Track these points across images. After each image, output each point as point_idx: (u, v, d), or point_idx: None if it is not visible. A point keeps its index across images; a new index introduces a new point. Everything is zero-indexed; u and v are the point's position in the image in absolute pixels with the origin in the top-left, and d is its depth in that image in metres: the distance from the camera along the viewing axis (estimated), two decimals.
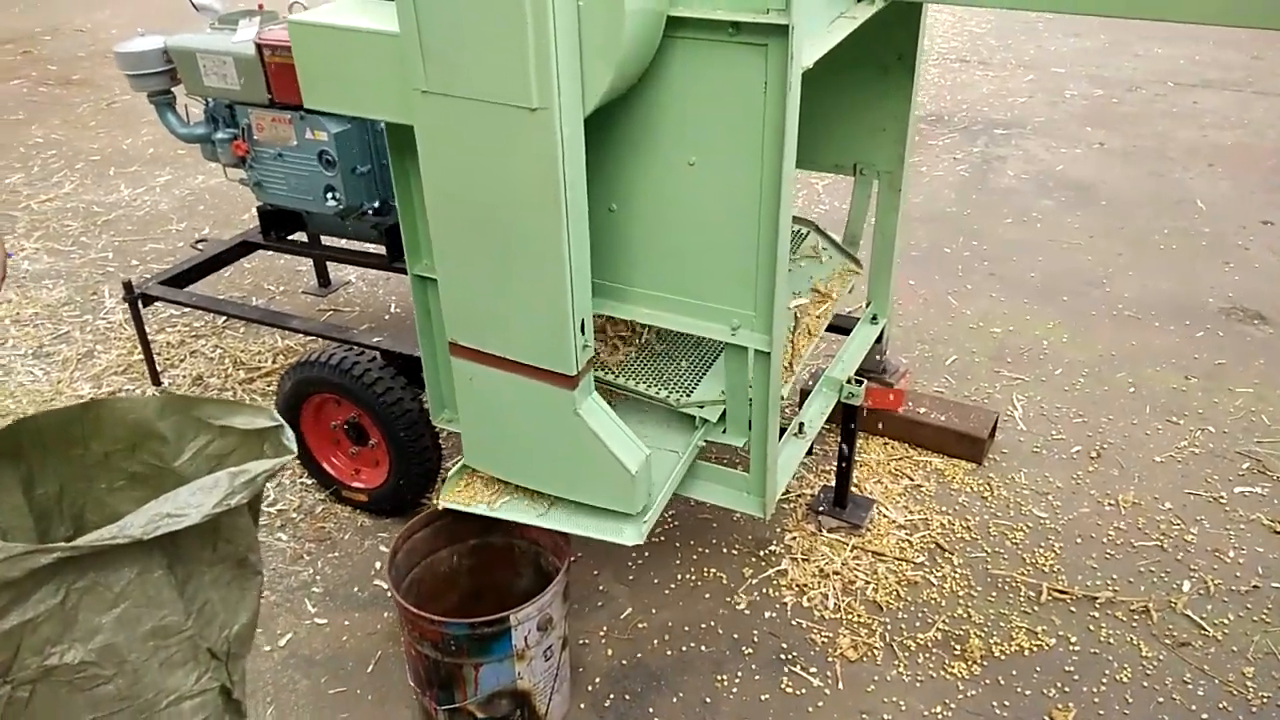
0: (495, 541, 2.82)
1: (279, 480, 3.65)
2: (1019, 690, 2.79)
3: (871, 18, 2.64)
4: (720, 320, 2.48)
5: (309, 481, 3.60)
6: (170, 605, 1.80)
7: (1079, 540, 3.29)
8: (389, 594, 2.82)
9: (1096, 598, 3.06)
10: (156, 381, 4.18)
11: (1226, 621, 2.96)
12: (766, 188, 2.24)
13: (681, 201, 2.39)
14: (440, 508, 2.66)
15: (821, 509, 3.39)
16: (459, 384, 2.56)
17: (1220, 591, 3.07)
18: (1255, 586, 3.08)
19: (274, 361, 4.35)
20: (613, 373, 2.84)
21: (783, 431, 2.99)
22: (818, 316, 3.09)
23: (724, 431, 2.74)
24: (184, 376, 4.26)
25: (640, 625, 3.03)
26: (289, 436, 2.02)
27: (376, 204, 3.65)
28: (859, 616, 3.03)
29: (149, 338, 4.51)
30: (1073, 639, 2.93)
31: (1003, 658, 2.88)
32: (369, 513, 3.48)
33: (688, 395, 2.77)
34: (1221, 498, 3.44)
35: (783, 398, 2.77)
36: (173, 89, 3.85)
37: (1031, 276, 4.85)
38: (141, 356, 4.12)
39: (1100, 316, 4.51)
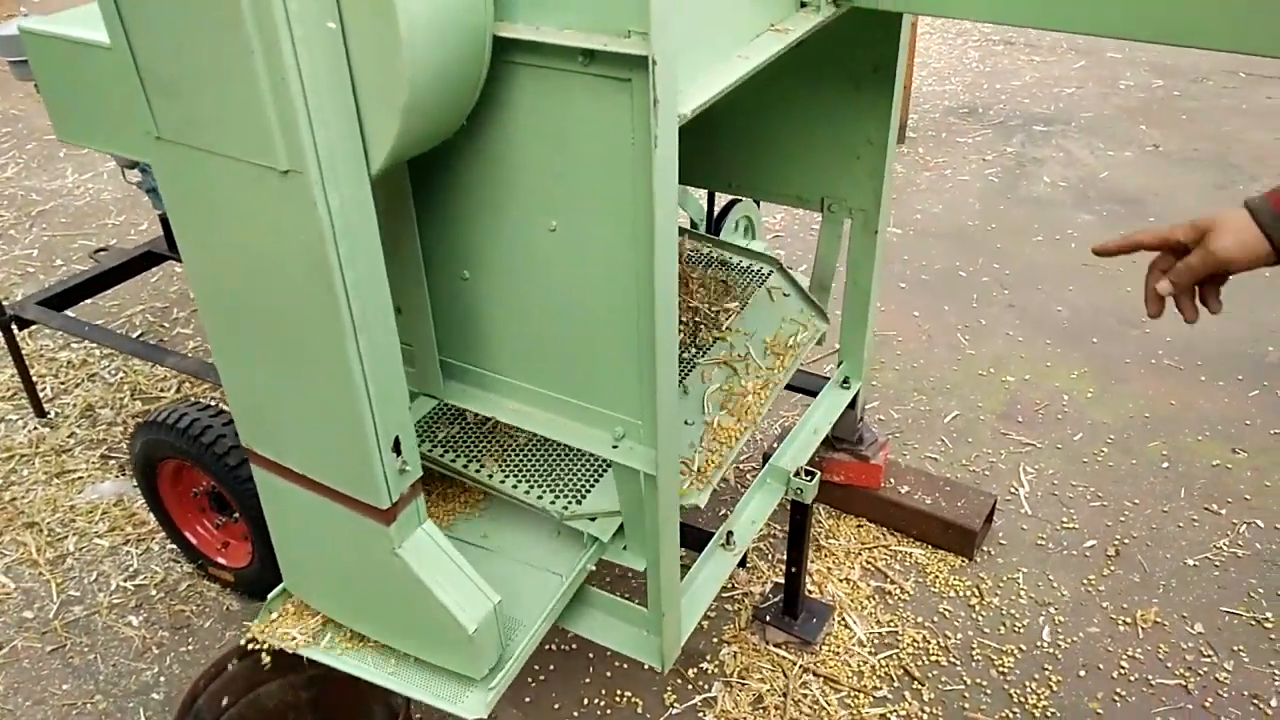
0: (338, 674, 2.28)
1: (146, 547, 3.14)
2: None
3: (836, 23, 2.01)
4: (601, 427, 1.90)
5: (176, 549, 3.09)
6: None
7: (1082, 673, 2.66)
8: None
9: None
10: (41, 413, 3.70)
11: None
12: (643, 264, 1.64)
13: (545, 275, 1.80)
14: (247, 642, 2.12)
15: (769, 615, 2.79)
16: (264, 496, 2.01)
17: None
18: None
19: (177, 390, 3.85)
20: (487, 467, 2.26)
21: (706, 540, 2.41)
22: (763, 388, 2.48)
23: (625, 549, 2.17)
24: (73, 406, 3.77)
25: None
26: None
27: None
28: None
29: (50, 355, 4.06)
30: None
31: None
32: (239, 594, 2.96)
33: (578, 503, 2.19)
34: (1268, 620, 2.78)
35: (698, 507, 2.18)
36: None
37: (1058, 311, 4.16)
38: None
39: (1135, 365, 3.81)
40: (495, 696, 1.92)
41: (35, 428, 3.67)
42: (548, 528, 2.27)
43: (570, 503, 2.19)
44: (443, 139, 1.63)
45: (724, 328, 2.66)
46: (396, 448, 1.75)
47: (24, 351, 3.67)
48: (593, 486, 2.24)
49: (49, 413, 3.73)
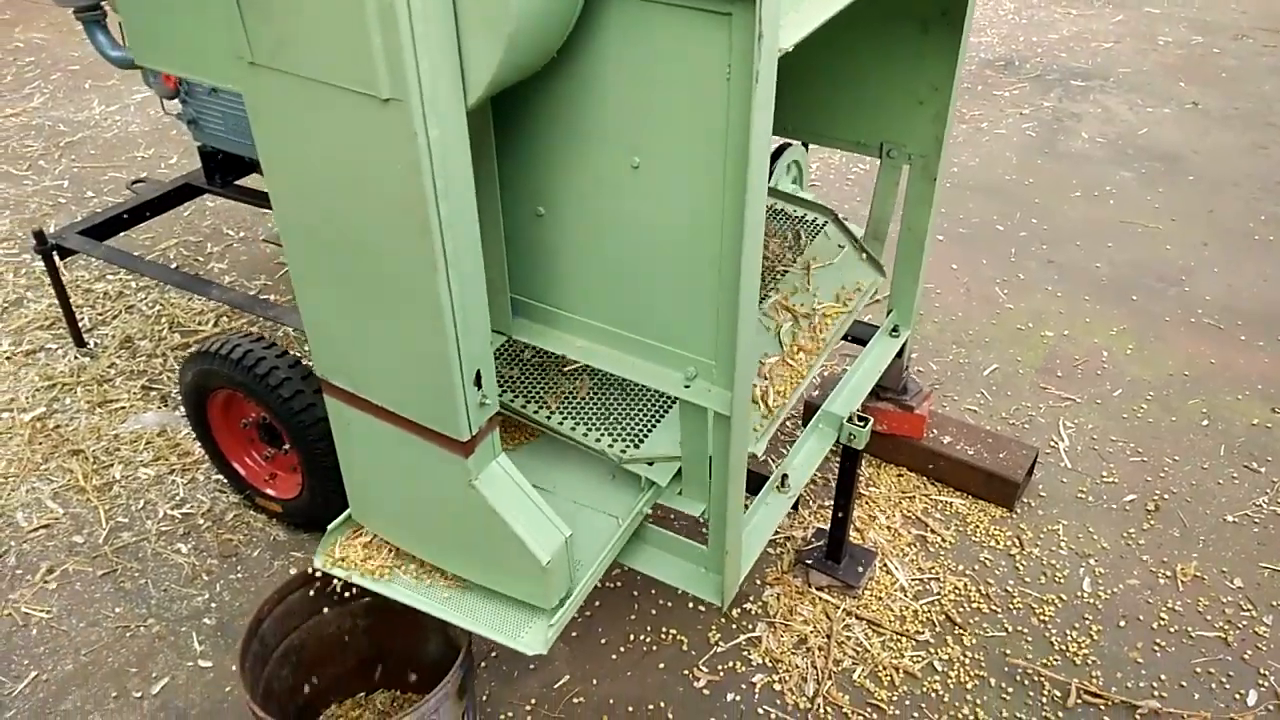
0: (394, 603, 2.31)
1: (191, 477, 3.17)
2: None
3: None
4: (672, 366, 1.90)
5: (223, 480, 3.12)
6: None
7: (1123, 623, 2.69)
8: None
9: (1138, 706, 2.48)
10: (80, 342, 3.71)
11: None
12: (730, 203, 1.64)
13: (623, 213, 1.79)
14: (311, 571, 2.14)
15: (811, 559, 2.83)
16: (337, 427, 2.02)
17: None
18: None
19: (214, 324, 3.85)
20: (546, 408, 2.27)
21: (761, 484, 2.43)
22: (822, 336, 2.48)
23: (679, 493, 2.18)
24: (112, 337, 3.78)
25: (576, 700, 2.53)
26: None
27: None
28: (840, 709, 2.49)
29: (86, 286, 4.06)
30: None
31: None
32: (285, 525, 3.00)
33: (636, 446, 2.20)
34: None
35: (757, 456, 2.19)
36: (104, 4, 3.27)
37: (1097, 268, 4.14)
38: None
39: (1175, 324, 3.81)
40: (555, 633, 1.95)
41: (75, 357, 3.68)
42: (602, 470, 2.28)
43: (628, 446, 2.20)
44: (534, 71, 1.61)
45: (781, 277, 2.65)
46: (478, 381, 1.76)
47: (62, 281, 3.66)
48: (650, 431, 2.25)
49: (88, 343, 3.74)
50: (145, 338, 3.78)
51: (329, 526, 2.16)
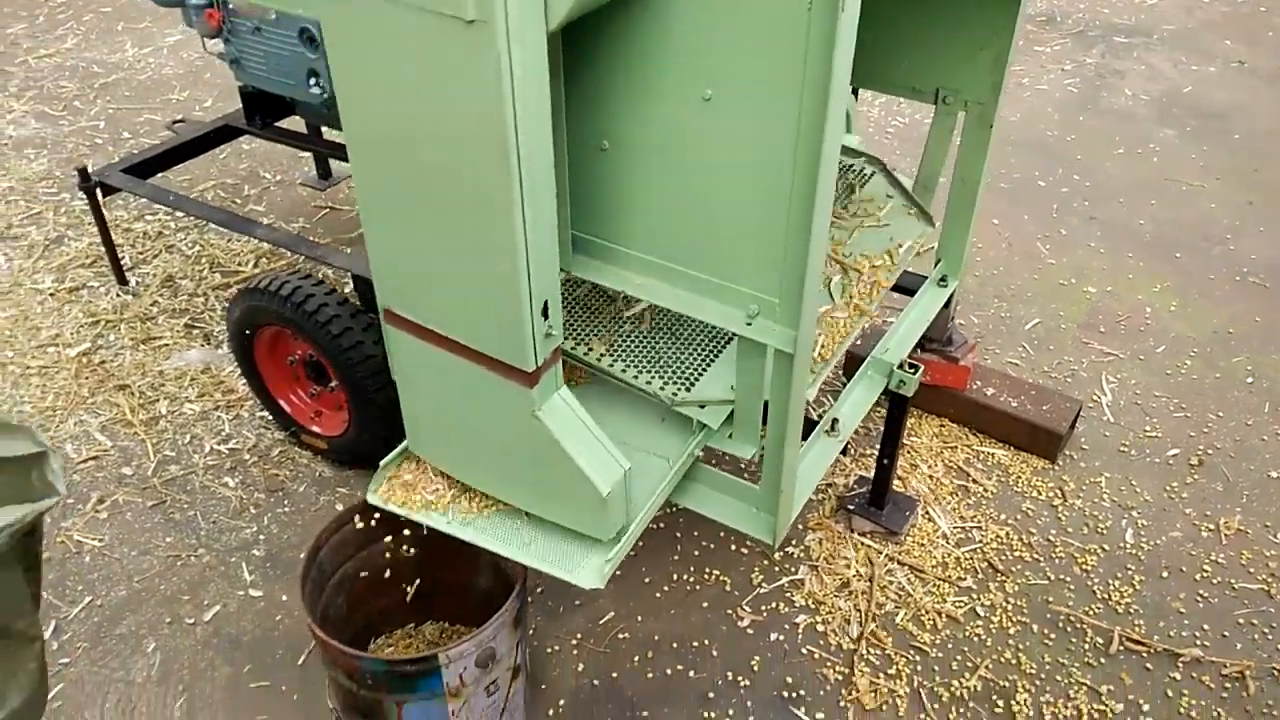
0: (447, 537, 2.34)
1: (236, 413, 3.20)
2: None
3: None
4: (734, 304, 1.90)
5: (269, 417, 3.15)
6: None
7: (1165, 574, 2.70)
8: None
9: (1180, 655, 2.50)
10: (122, 280, 3.73)
11: None
12: (805, 139, 1.62)
13: (692, 146, 1.78)
14: (369, 504, 2.17)
15: (854, 505, 2.84)
16: (396, 359, 2.03)
17: None
18: None
19: (254, 265, 3.86)
20: (596, 350, 2.28)
21: (811, 429, 2.43)
22: (870, 286, 2.47)
23: (730, 437, 2.19)
24: (153, 275, 3.80)
25: (621, 636, 2.56)
26: (55, 470, 1.49)
27: None
28: (883, 650, 2.52)
29: (126, 226, 4.07)
30: (1144, 706, 2.39)
31: None
32: (330, 462, 3.03)
33: (687, 389, 2.20)
34: None
35: (808, 402, 2.19)
36: None
37: (1140, 225, 4.10)
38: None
39: (1220, 281, 3.78)
40: (611, 568, 1.97)
41: (118, 295, 3.70)
42: (650, 413, 2.29)
43: (680, 389, 2.21)
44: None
45: (832, 225, 2.63)
46: (545, 311, 1.76)
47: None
48: (701, 375, 2.25)
49: (129, 281, 3.76)
50: (186, 277, 3.80)
51: (384, 460, 2.18)
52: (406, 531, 2.24)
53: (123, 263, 3.80)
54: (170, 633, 2.56)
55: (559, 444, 1.87)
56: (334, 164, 4.42)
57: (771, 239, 1.77)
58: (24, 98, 5.08)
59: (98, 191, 3.50)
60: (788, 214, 1.72)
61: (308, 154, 4.49)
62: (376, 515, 2.23)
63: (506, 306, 1.72)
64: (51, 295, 3.69)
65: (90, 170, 3.48)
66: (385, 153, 1.70)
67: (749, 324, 1.89)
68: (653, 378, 2.21)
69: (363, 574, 2.32)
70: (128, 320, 3.57)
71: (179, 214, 4.14)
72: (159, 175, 3.74)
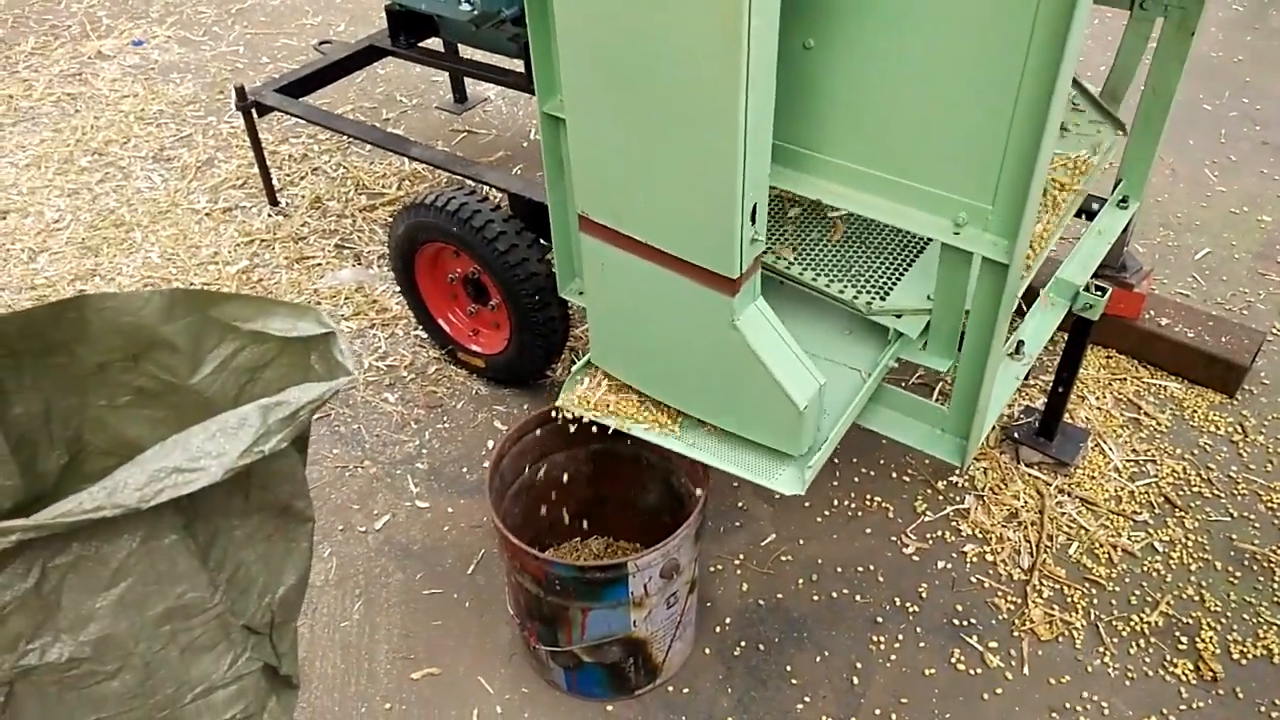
0: (620, 450, 2.34)
1: (392, 331, 3.25)
2: (1262, 710, 2.19)
3: None
4: (941, 212, 1.82)
5: (423, 336, 3.19)
6: (190, 578, 1.38)
7: None
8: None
9: None
10: (274, 201, 3.80)
11: None
12: (1044, 22, 1.52)
13: (906, 40, 1.69)
14: (555, 410, 2.17)
15: (1020, 435, 2.76)
16: (588, 267, 2.01)
17: None
18: None
19: (398, 188, 3.89)
20: (785, 258, 2.23)
21: None
22: (1066, 197, 2.36)
23: (923, 348, 2.12)
24: (302, 197, 3.86)
25: (784, 558, 2.54)
26: (343, 350, 1.53)
27: (517, 11, 3.02)
28: (1057, 582, 2.45)
29: (271, 149, 4.14)
30: None
31: (1244, 662, 2.27)
32: (485, 380, 3.06)
33: (882, 298, 2.14)
34: None
35: None
36: None
37: None
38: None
39: None
40: (812, 475, 1.94)
41: (270, 215, 3.77)
42: (837, 325, 2.24)
43: (874, 298, 2.15)
44: None
45: None
46: (754, 216, 1.71)
47: (246, 143, 3.73)
48: (895, 284, 2.18)
49: (280, 202, 3.82)
50: (333, 199, 3.85)
51: (574, 369, 2.18)
52: (581, 436, 2.24)
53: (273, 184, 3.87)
54: (344, 539, 2.63)
55: (756, 355, 1.83)
56: (470, 88, 4.41)
57: (991, 142, 1.68)
58: (166, 23, 5.18)
59: (253, 111, 3.56)
60: (1013, 115, 1.63)
61: (443, 78, 4.49)
62: (554, 424, 2.24)
63: (718, 207, 1.68)
64: (207, 215, 3.79)
65: (246, 90, 3.53)
66: (603, 47, 1.65)
67: (957, 233, 1.81)
68: (845, 286, 2.15)
69: (538, 484, 2.34)
70: (281, 240, 3.65)
71: (322, 136, 4.19)
72: (299, 101, 3.79)
